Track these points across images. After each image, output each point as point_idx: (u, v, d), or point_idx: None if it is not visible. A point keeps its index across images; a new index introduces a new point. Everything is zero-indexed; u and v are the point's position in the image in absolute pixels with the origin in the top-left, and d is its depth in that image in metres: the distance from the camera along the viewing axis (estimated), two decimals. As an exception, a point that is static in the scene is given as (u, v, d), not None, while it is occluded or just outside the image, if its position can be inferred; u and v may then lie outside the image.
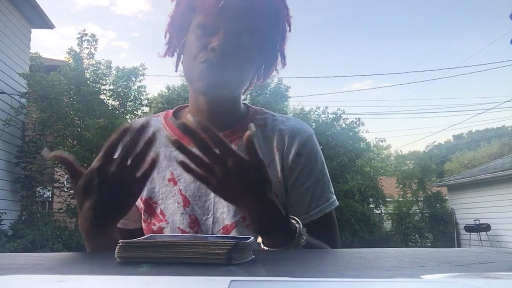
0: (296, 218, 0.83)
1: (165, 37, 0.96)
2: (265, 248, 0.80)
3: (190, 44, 0.89)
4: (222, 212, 0.89)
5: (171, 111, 1.01)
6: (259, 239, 0.81)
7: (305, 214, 0.92)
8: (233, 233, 0.88)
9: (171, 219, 0.90)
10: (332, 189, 0.98)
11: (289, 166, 0.93)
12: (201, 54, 0.85)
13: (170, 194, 0.91)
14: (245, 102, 1.02)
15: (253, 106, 1.02)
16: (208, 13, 0.84)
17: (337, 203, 0.97)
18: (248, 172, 0.70)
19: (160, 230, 0.90)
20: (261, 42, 0.90)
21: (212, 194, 0.89)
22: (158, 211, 0.91)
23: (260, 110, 1.01)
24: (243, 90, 0.97)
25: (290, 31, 0.96)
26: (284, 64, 0.99)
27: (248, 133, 0.69)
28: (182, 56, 0.95)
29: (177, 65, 0.97)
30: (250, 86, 0.99)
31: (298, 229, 0.80)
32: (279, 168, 0.92)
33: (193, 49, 0.87)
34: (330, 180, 0.99)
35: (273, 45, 0.94)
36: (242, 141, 0.91)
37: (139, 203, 0.92)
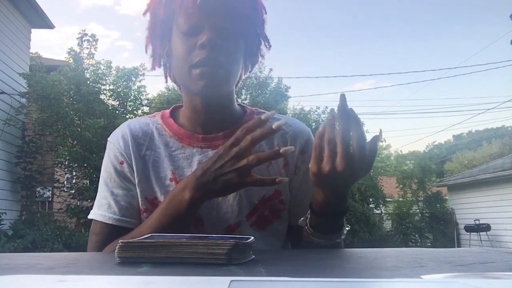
0: None
1: (146, 51, 0.95)
2: (309, 232, 0.84)
3: (177, 49, 0.88)
4: (226, 212, 0.90)
5: (167, 111, 1.00)
6: (300, 221, 0.86)
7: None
8: (236, 233, 0.89)
9: None
10: None
11: (294, 164, 0.95)
12: (191, 55, 0.85)
13: None
14: (241, 103, 1.02)
15: (248, 107, 1.02)
16: (189, 13, 0.84)
17: None
18: (351, 171, 0.75)
19: None
20: (245, 29, 0.90)
21: None
22: None
23: (256, 110, 1.02)
24: (236, 83, 0.96)
25: (266, 13, 0.96)
26: (268, 47, 0.98)
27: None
28: (169, 64, 0.94)
29: (166, 75, 0.97)
30: (241, 78, 0.98)
31: (344, 222, 0.87)
32: (281, 166, 0.94)
33: (181, 53, 0.86)
34: None
35: (254, 30, 0.94)
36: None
37: (144, 203, 0.92)
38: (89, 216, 0.95)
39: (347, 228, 0.87)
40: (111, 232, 0.91)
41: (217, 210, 0.90)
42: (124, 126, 0.97)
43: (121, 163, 0.93)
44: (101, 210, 0.93)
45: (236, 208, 0.89)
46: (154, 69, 0.97)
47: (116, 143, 0.94)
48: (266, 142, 0.94)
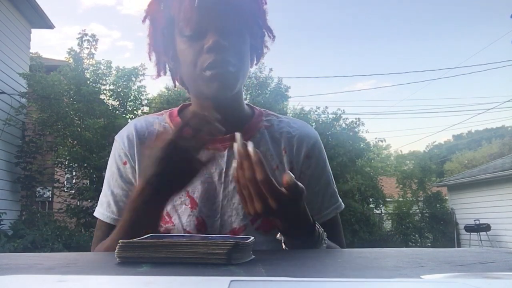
0: (318, 224, 0.84)
1: (150, 59, 0.95)
2: (286, 248, 0.82)
3: (184, 54, 0.87)
4: (230, 216, 0.89)
5: (175, 109, 0.99)
6: (278, 235, 0.84)
7: (317, 215, 0.93)
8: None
9: (177, 221, 0.89)
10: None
11: (299, 168, 0.94)
12: (200, 59, 0.84)
13: (177, 196, 0.89)
14: (248, 103, 1.02)
15: (257, 107, 1.02)
16: (189, 17, 0.83)
17: (343, 205, 1.00)
18: (290, 207, 0.74)
19: (167, 231, 0.89)
20: (247, 23, 0.89)
21: (220, 197, 0.89)
22: (164, 213, 0.89)
23: (264, 111, 1.01)
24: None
25: (266, 3, 0.95)
26: (272, 38, 0.97)
27: (286, 178, 0.71)
28: (176, 70, 0.93)
29: (174, 80, 0.96)
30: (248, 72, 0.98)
31: (320, 234, 0.82)
32: (287, 170, 0.93)
33: (190, 58, 0.86)
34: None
35: (257, 22, 0.93)
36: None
37: None
38: (94, 213, 0.96)
39: (325, 244, 0.83)
40: (111, 230, 0.91)
41: (221, 213, 0.89)
42: (130, 125, 0.97)
43: (124, 163, 0.93)
44: (102, 208, 0.94)
45: (240, 212, 0.88)
46: (160, 76, 0.96)
47: (121, 143, 0.94)
48: (273, 146, 0.94)
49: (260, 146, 0.93)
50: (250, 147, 0.72)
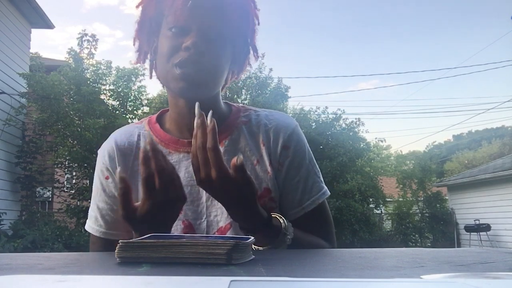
0: (283, 218, 0.84)
1: (134, 44, 0.96)
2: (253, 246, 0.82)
3: (162, 47, 0.88)
4: (216, 215, 0.89)
5: (154, 116, 1.01)
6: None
7: (298, 207, 0.92)
8: (228, 234, 0.88)
9: None
10: (322, 179, 0.98)
11: (277, 160, 0.93)
12: (175, 55, 0.85)
13: None
14: (227, 101, 1.01)
15: (235, 104, 1.01)
16: (178, 14, 0.84)
17: (328, 192, 0.97)
18: (230, 186, 0.73)
19: None
20: (233, 36, 0.90)
21: (204, 198, 0.90)
22: None
23: (243, 107, 1.00)
24: (221, 87, 0.96)
25: (258, 24, 0.96)
26: (256, 57, 0.98)
27: (234, 161, 0.72)
28: (155, 61, 0.94)
29: (151, 71, 0.97)
30: (227, 83, 0.98)
31: (283, 229, 0.82)
32: (267, 163, 0.92)
33: (166, 52, 0.86)
34: (319, 169, 0.99)
35: (244, 39, 0.94)
36: (230, 141, 0.92)
37: None
38: (85, 227, 0.99)
39: (288, 237, 0.82)
40: (102, 242, 0.94)
41: (207, 214, 0.89)
42: (110, 138, 0.98)
43: (106, 178, 0.94)
44: (91, 222, 0.97)
45: (225, 210, 0.87)
46: (138, 64, 0.98)
47: (102, 157, 0.96)
48: (252, 140, 0.94)
49: (239, 143, 0.93)
50: (209, 116, 0.74)
